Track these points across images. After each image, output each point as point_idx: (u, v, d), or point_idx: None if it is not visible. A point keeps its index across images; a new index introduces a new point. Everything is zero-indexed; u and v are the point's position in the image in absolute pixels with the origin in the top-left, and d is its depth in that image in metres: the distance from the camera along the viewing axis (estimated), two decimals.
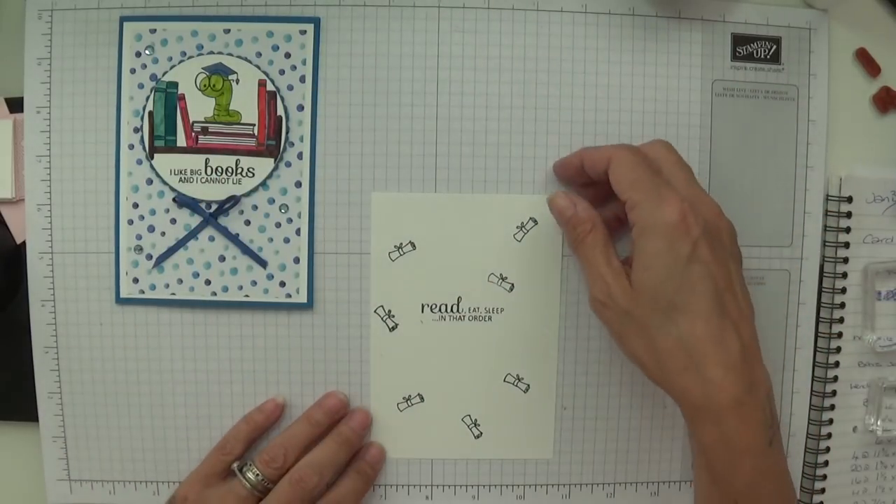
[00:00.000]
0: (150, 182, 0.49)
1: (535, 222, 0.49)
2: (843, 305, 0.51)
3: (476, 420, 0.50)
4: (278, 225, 0.49)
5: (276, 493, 0.45)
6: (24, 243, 0.50)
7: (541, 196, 0.49)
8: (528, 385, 0.50)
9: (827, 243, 0.51)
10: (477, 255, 0.49)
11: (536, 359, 0.50)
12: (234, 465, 0.47)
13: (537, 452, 0.51)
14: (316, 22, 0.48)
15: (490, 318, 0.50)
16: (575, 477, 0.51)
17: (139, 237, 0.49)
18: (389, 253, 0.49)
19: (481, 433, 0.50)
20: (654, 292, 0.40)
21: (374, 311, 0.49)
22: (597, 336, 0.50)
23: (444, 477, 0.51)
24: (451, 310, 0.49)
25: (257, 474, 0.46)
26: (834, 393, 0.51)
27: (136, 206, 0.49)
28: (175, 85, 0.48)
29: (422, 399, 0.50)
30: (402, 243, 0.49)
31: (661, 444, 0.51)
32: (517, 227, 0.49)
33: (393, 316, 0.49)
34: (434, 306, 0.49)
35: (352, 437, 0.48)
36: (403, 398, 0.50)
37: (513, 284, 0.49)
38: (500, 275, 0.49)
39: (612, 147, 0.44)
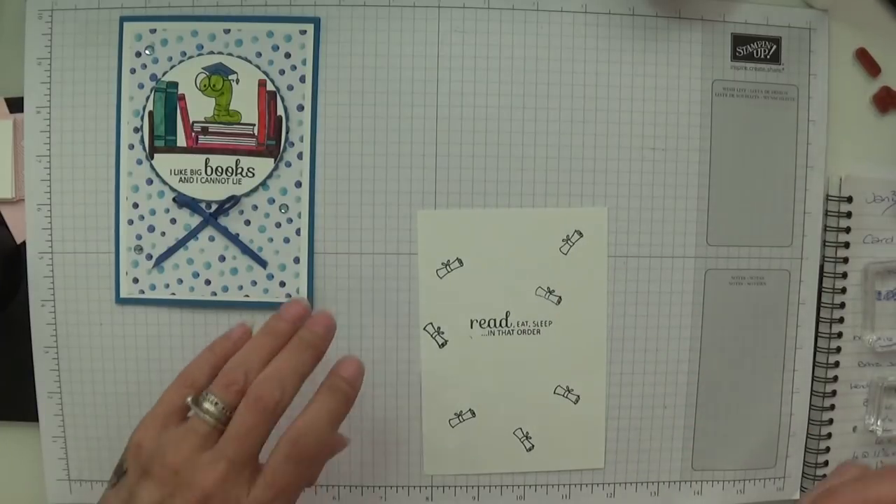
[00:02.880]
0: (150, 182, 0.49)
1: (581, 234, 0.49)
2: (843, 305, 0.51)
3: (528, 433, 0.50)
4: (278, 225, 0.49)
5: (236, 421, 0.38)
6: (24, 243, 0.50)
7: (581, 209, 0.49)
8: (578, 396, 0.50)
9: (827, 243, 0.51)
10: (524, 268, 0.49)
11: (585, 370, 0.50)
12: (189, 399, 0.39)
13: (588, 462, 0.51)
14: (316, 22, 0.48)
15: (539, 332, 0.50)
16: (575, 477, 0.51)
17: (139, 237, 0.49)
18: (437, 270, 0.49)
19: (533, 446, 0.50)
20: None
21: (424, 329, 0.50)
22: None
23: (443, 477, 0.51)
24: (500, 324, 0.50)
25: (216, 402, 0.38)
26: (834, 393, 0.51)
27: (136, 206, 0.49)
28: (175, 85, 0.48)
29: (473, 414, 0.50)
30: (449, 260, 0.49)
31: (661, 444, 0.51)
32: (563, 241, 0.49)
33: (442, 332, 0.50)
34: (483, 321, 0.50)
35: (314, 340, 0.41)
36: (455, 414, 0.50)
37: (560, 297, 0.50)
38: (548, 288, 0.49)
39: None
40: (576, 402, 0.50)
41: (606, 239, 0.49)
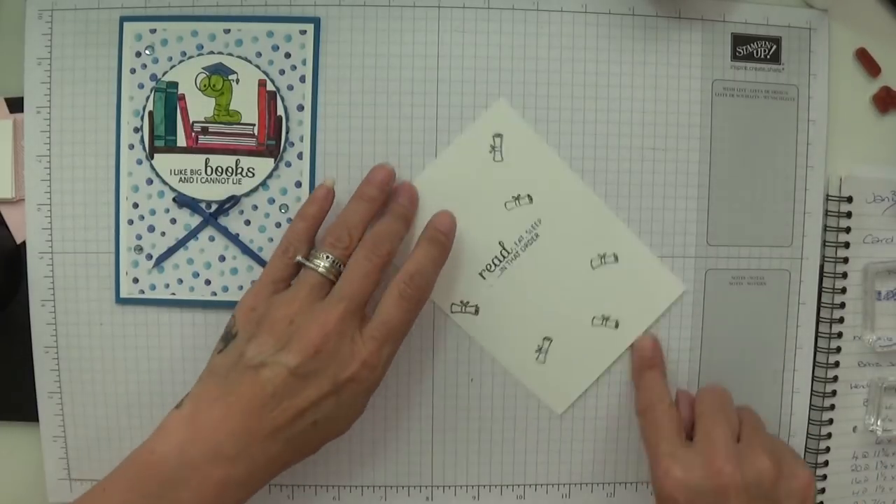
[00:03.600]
0: (150, 182, 0.49)
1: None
2: (843, 305, 0.51)
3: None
4: (278, 225, 0.49)
5: (352, 266, 0.43)
6: (24, 243, 0.50)
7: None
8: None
9: (827, 243, 0.51)
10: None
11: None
12: (299, 257, 0.44)
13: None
14: (316, 22, 0.48)
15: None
16: (575, 477, 0.51)
17: (139, 237, 0.49)
18: None
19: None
20: None
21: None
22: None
23: (443, 477, 0.51)
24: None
25: (327, 256, 0.43)
26: (834, 393, 0.51)
27: (136, 206, 0.49)
28: (175, 85, 0.48)
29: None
30: None
31: None
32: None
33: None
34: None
35: (404, 211, 0.46)
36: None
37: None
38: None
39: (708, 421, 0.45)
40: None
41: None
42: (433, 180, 0.48)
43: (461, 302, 0.49)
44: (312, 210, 0.46)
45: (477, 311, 0.50)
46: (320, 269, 0.43)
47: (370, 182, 0.46)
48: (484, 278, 0.49)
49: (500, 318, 0.49)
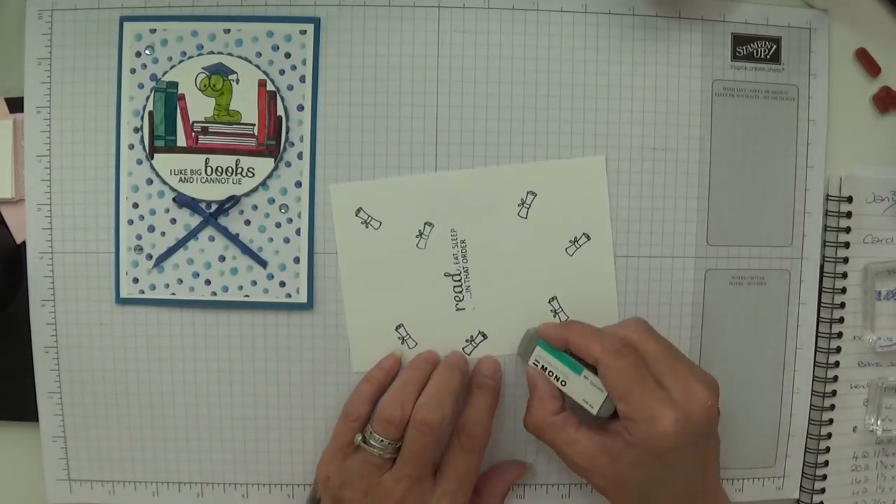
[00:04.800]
0: (150, 182, 0.49)
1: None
2: (843, 305, 0.51)
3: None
4: (278, 225, 0.49)
5: (407, 445, 0.44)
6: (24, 243, 0.50)
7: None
8: None
9: (827, 243, 0.51)
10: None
11: None
12: (358, 439, 0.45)
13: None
14: (316, 22, 0.48)
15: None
16: (575, 476, 0.51)
17: (139, 237, 0.49)
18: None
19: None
20: (631, 485, 0.44)
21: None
22: None
23: None
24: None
25: (380, 440, 0.44)
26: (834, 393, 0.51)
27: (136, 206, 0.49)
28: (175, 85, 0.48)
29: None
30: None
31: None
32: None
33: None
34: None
35: (457, 361, 0.48)
36: None
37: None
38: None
39: (598, 346, 0.44)
40: None
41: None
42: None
43: (469, 338, 0.50)
44: (378, 376, 0.48)
45: (485, 336, 0.50)
46: (375, 454, 0.45)
47: (422, 355, 0.49)
48: (464, 309, 0.49)
49: (501, 322, 0.49)
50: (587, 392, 0.45)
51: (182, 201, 0.49)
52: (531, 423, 0.47)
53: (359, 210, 0.49)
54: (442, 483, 0.45)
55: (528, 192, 0.49)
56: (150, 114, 0.49)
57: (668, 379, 0.43)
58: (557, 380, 0.46)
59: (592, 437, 0.44)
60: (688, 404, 0.42)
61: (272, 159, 0.49)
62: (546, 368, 0.47)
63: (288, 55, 0.48)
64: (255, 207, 0.49)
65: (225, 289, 0.49)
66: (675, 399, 0.42)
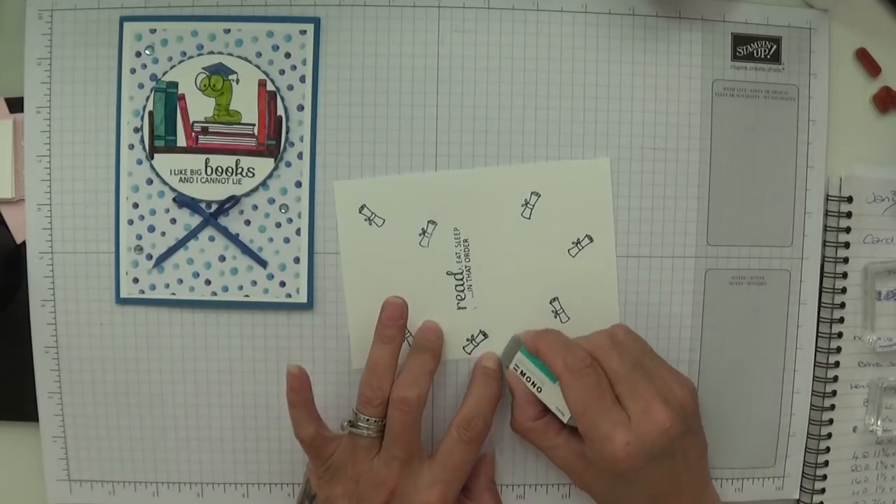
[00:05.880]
0: (150, 182, 0.49)
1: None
2: (843, 305, 0.51)
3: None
4: (278, 225, 0.49)
5: (390, 424, 0.45)
6: (24, 243, 0.50)
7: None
8: None
9: (827, 243, 0.51)
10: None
11: None
12: (344, 424, 0.46)
13: None
14: (316, 22, 0.48)
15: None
16: None
17: (139, 237, 0.49)
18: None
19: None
20: (599, 491, 0.45)
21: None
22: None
23: None
24: None
25: (366, 419, 0.45)
26: (834, 393, 0.51)
27: (136, 206, 0.49)
28: (175, 85, 0.48)
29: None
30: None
31: None
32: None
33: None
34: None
35: (428, 344, 0.48)
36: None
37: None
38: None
39: (561, 362, 0.44)
40: None
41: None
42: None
43: (470, 337, 0.50)
44: (294, 398, 0.46)
45: (486, 335, 0.50)
46: (366, 434, 0.45)
47: (383, 321, 0.47)
48: (465, 308, 0.49)
49: (502, 321, 0.49)
50: (560, 401, 0.45)
51: (182, 201, 0.49)
52: (514, 427, 0.48)
53: (362, 207, 0.49)
54: (435, 471, 0.45)
55: (532, 193, 0.49)
56: (150, 114, 0.49)
57: (627, 399, 0.44)
58: (534, 386, 0.47)
59: (571, 443, 0.46)
60: (643, 426, 0.42)
61: (272, 159, 0.49)
62: (525, 374, 0.47)
63: (288, 55, 0.48)
64: (255, 207, 0.49)
65: (225, 289, 0.49)
66: (633, 420, 0.43)
